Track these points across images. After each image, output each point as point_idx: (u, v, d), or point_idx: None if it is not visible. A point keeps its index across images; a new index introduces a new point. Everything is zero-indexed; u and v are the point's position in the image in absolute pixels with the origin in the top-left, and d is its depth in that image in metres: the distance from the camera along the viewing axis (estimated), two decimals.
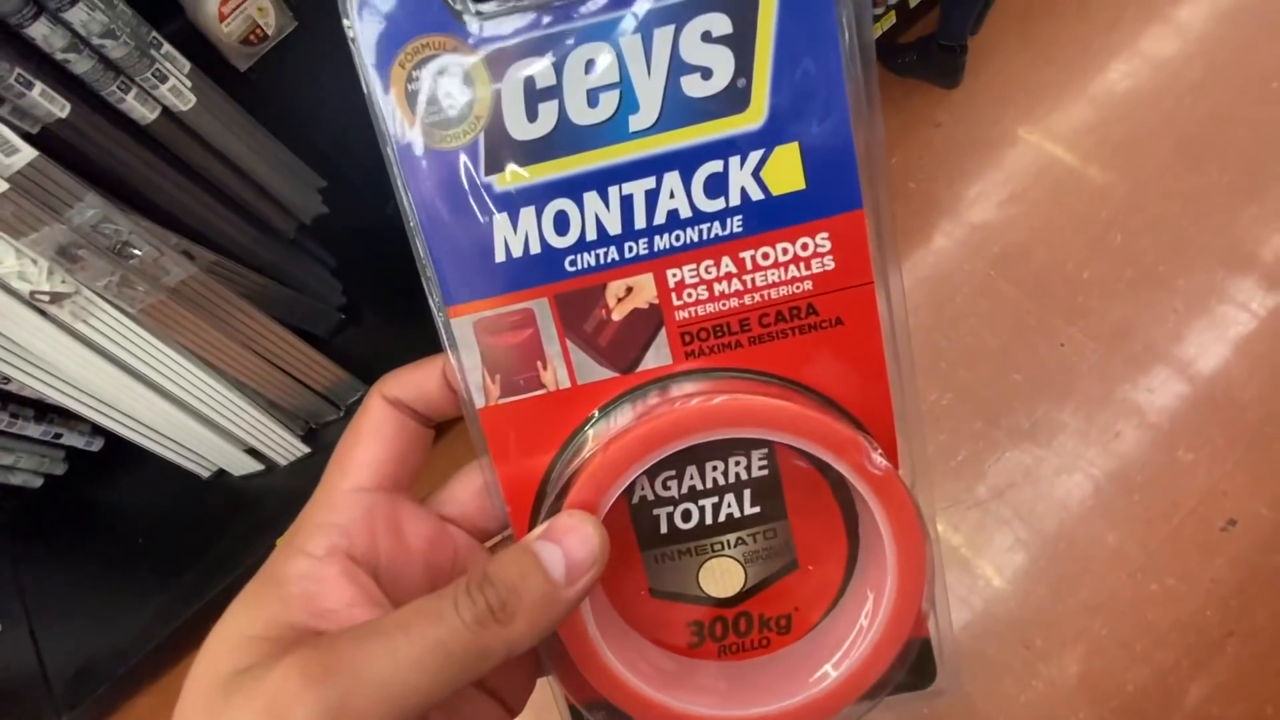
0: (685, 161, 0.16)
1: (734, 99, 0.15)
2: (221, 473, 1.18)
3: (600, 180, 0.16)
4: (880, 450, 0.16)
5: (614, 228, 0.16)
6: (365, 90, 0.15)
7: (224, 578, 1.10)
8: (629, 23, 0.15)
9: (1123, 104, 1.30)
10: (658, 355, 0.17)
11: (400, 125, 0.15)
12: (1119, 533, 1.01)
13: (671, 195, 0.16)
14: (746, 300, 0.16)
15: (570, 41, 0.15)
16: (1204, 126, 1.23)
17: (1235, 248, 1.14)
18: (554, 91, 0.15)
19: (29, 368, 0.94)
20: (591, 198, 0.16)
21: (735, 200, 0.16)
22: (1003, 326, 1.19)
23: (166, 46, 0.87)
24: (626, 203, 0.16)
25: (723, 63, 0.15)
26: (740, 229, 0.16)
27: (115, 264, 0.86)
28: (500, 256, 0.16)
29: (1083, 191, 1.24)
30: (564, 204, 0.16)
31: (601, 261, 0.16)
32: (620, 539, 0.17)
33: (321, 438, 1.15)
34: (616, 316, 0.16)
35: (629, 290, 0.16)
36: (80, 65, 0.80)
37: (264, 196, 1.05)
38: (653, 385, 0.17)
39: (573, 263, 0.16)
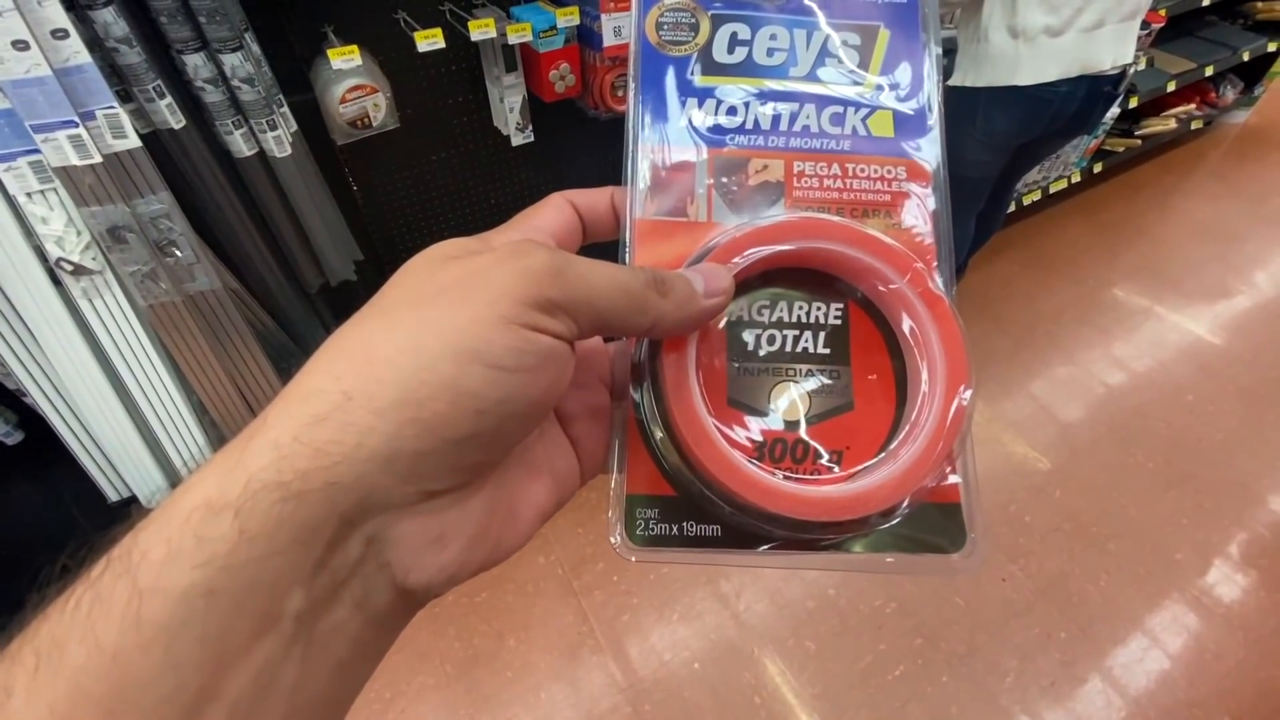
0: (820, 100, 0.23)
1: (856, 77, 0.24)
2: (131, 500, 1.09)
3: (763, 95, 0.23)
4: (938, 282, 0.21)
5: (765, 125, 0.23)
6: (632, 14, 0.23)
7: None
8: (803, 23, 0.24)
9: (1061, 388, 1.50)
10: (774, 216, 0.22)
11: (647, 38, 0.23)
12: None
13: (807, 116, 0.23)
14: (844, 196, 0.23)
15: (764, 20, 0.24)
16: (1131, 417, 1.42)
17: (1158, 526, 1.25)
18: (747, 42, 0.23)
19: (6, 329, 0.92)
20: (754, 103, 0.23)
21: (848, 131, 0.23)
22: None
23: (285, 107, 1.01)
24: (777, 112, 0.23)
25: (852, 56, 0.24)
26: (848, 148, 0.23)
27: (154, 256, 0.90)
28: (683, 124, 0.23)
29: (1024, 452, 1.38)
30: (736, 102, 0.23)
31: (751, 143, 0.23)
32: (714, 348, 0.21)
33: None
34: (752, 183, 0.22)
35: (765, 167, 0.23)
36: (212, 96, 0.92)
37: (306, 249, 1.12)
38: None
39: (732, 139, 0.23)
